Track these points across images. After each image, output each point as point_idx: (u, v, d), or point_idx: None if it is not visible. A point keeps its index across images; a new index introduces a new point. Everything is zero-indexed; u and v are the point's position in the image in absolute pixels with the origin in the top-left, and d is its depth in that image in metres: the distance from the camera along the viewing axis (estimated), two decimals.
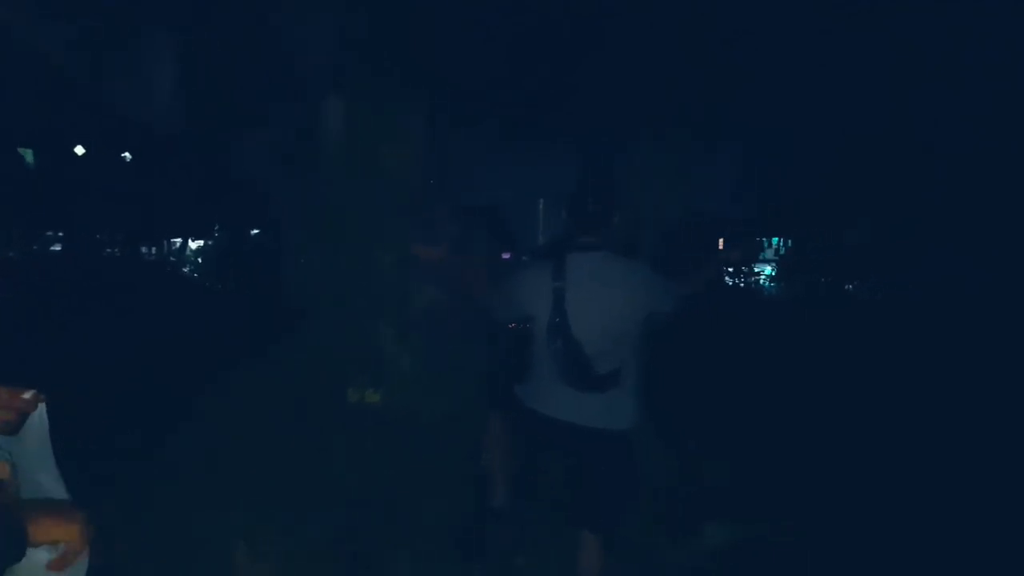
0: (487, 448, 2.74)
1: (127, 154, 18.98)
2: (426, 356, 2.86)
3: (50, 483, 1.13)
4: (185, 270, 17.35)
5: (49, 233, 19.84)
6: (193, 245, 20.82)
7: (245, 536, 2.59)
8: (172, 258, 20.27)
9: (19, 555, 0.93)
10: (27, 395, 1.11)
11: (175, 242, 21.57)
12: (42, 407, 1.13)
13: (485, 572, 2.67)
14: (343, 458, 3.01)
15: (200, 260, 17.91)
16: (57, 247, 19.27)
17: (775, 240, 26.31)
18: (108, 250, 19.01)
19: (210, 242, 18.14)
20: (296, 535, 2.64)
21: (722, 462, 3.58)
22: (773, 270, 22.36)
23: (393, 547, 2.64)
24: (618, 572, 2.57)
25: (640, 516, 2.76)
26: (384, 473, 2.91)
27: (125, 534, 2.27)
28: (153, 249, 21.24)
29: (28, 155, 19.30)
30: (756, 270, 24.91)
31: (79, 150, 18.65)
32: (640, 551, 2.74)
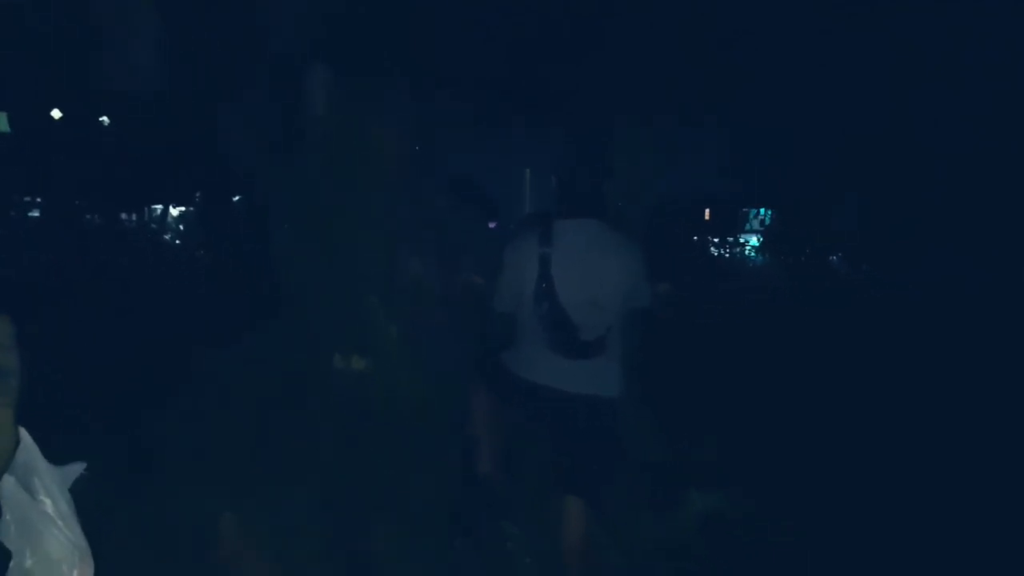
0: (473, 416, 2.75)
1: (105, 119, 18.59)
2: (412, 324, 2.84)
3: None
4: (166, 238, 17.11)
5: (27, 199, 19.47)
6: (175, 212, 20.52)
7: (227, 513, 2.58)
8: (153, 225, 19.98)
9: None
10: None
11: (156, 208, 21.25)
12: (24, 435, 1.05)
13: (473, 541, 2.69)
14: (329, 430, 3.00)
15: (182, 228, 17.68)
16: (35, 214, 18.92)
17: (761, 211, 26.42)
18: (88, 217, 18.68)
19: (191, 209, 17.89)
20: (280, 509, 2.64)
21: (708, 433, 3.63)
22: (759, 241, 22.43)
23: (380, 520, 2.64)
24: (604, 538, 2.60)
25: (626, 483, 2.79)
26: (371, 444, 2.90)
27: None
28: (134, 216, 20.90)
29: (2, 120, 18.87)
30: (742, 240, 25.01)
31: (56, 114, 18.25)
32: (626, 517, 2.76)
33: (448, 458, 2.79)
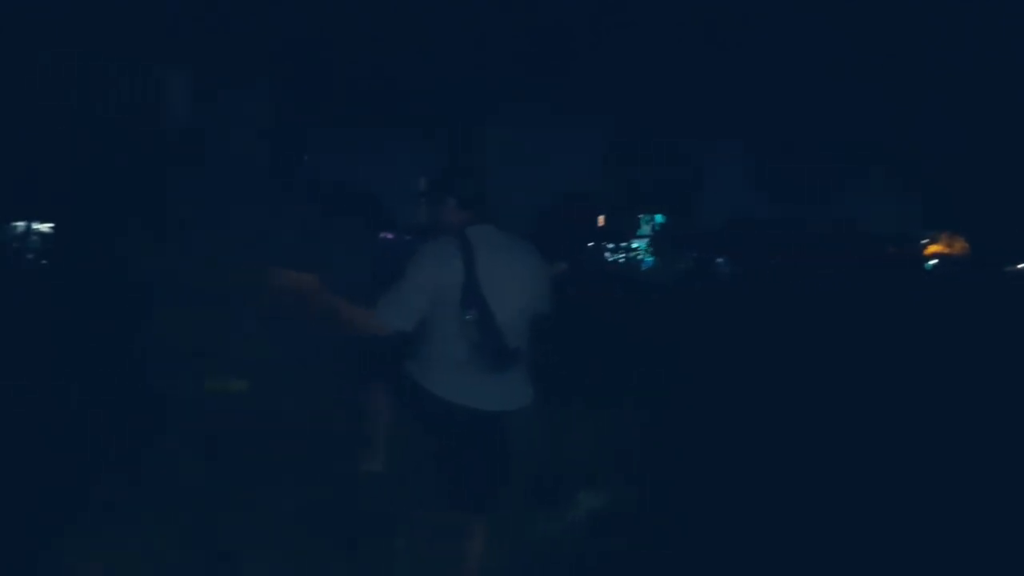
0: (368, 426, 2.61)
1: None
2: (296, 340, 2.71)
3: None
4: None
5: None
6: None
7: (95, 536, 2.39)
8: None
9: None
10: None
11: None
12: None
13: (365, 561, 2.60)
14: (209, 449, 2.83)
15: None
16: None
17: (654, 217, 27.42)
18: None
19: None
20: (158, 532, 2.46)
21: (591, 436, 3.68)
22: (647, 246, 23.27)
23: (262, 544, 2.51)
24: (499, 550, 2.57)
25: (516, 492, 2.78)
26: (252, 465, 2.77)
27: None
28: None
29: None
30: (634, 246, 25.86)
31: None
32: (517, 527, 2.75)
33: (335, 480, 2.69)
